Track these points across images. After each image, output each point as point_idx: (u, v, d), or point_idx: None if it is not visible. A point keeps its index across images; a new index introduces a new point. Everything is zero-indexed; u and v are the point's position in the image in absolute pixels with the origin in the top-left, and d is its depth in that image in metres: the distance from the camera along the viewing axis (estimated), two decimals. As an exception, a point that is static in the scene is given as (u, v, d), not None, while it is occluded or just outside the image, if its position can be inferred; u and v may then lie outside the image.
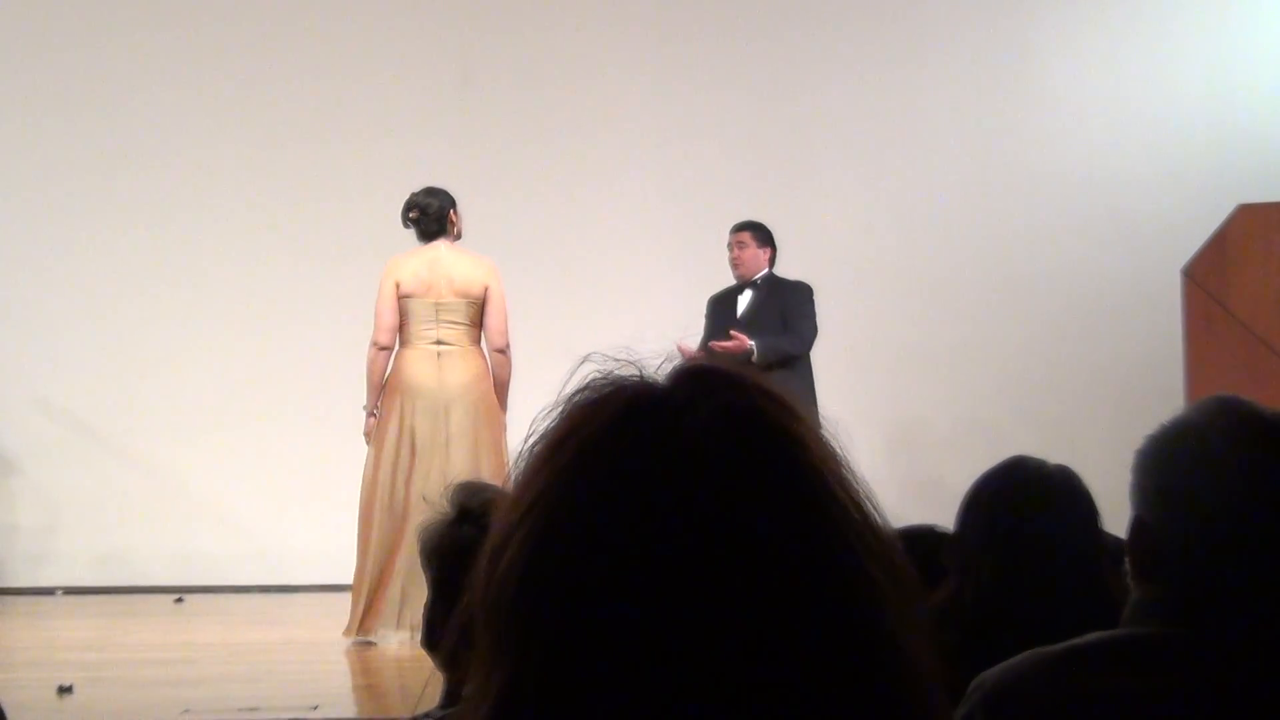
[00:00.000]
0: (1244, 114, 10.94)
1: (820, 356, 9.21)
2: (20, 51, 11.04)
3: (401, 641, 8.05)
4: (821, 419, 1.15)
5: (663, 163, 11.00)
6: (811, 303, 9.21)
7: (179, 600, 10.15)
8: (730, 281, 9.37)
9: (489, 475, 7.88)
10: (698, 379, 1.12)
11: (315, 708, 6.33)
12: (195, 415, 10.78)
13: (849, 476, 1.12)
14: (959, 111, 11.09)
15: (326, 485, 9.29)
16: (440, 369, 8.20)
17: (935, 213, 11.01)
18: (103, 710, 6.34)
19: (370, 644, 8.13)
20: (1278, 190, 9.79)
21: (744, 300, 9.26)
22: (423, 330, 8.22)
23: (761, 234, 9.32)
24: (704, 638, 1.03)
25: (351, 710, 6.73)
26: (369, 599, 8.16)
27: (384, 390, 8.28)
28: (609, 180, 10.96)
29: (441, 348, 8.21)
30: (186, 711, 6.20)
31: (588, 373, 1.13)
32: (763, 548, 1.05)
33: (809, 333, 9.11)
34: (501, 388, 8.28)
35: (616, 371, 1.13)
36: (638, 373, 1.13)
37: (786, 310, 9.14)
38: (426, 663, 2.86)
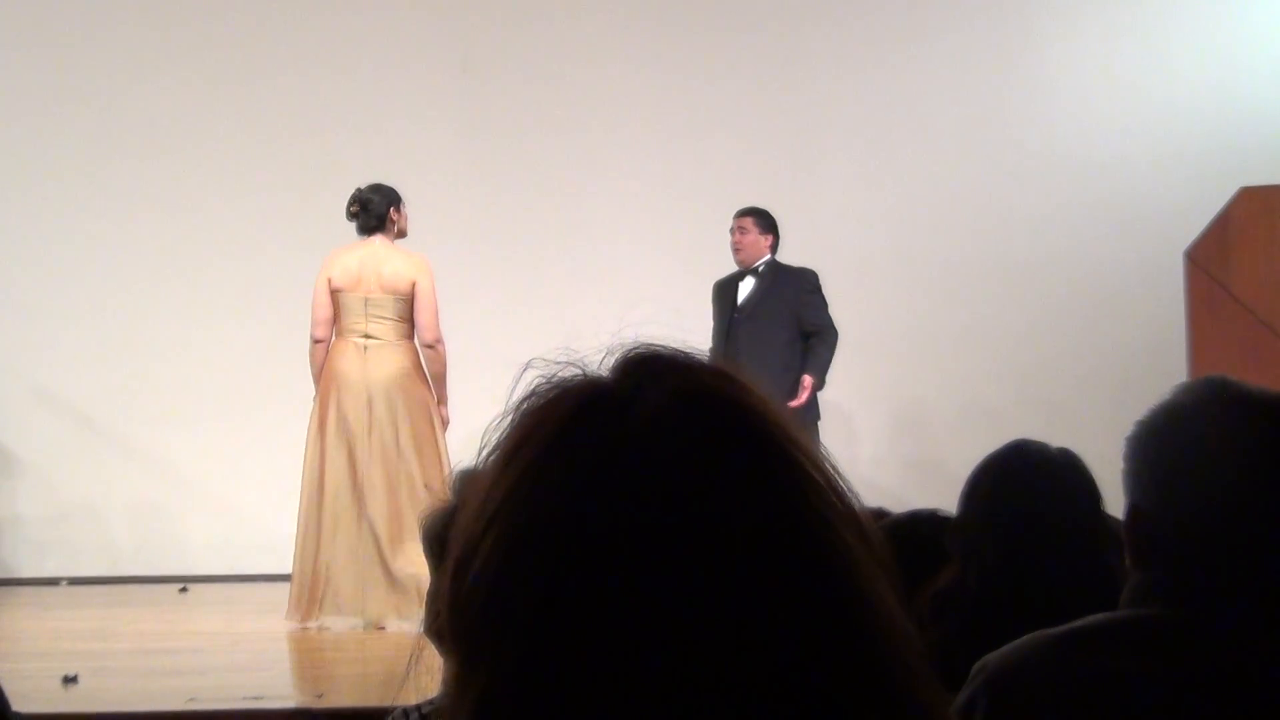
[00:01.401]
0: (1246, 96, 10.93)
1: (824, 342, 9.22)
2: (20, 43, 11.03)
3: (353, 627, 8.23)
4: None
5: (664, 151, 10.99)
6: (820, 291, 9.20)
7: (183, 590, 10.15)
8: (734, 268, 9.37)
9: (415, 465, 8.29)
10: (641, 367, 1.12)
11: (320, 695, 6.34)
12: (198, 405, 10.78)
13: (809, 444, 1.11)
14: (960, 97, 11.08)
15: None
16: (365, 362, 8.45)
17: (937, 198, 11.00)
18: (107, 699, 6.34)
19: (309, 629, 8.29)
20: (1280, 172, 9.79)
21: (745, 287, 9.24)
22: (353, 324, 8.47)
23: (763, 220, 9.29)
24: (678, 622, 1.02)
25: (356, 698, 6.73)
26: (311, 585, 8.36)
27: (320, 381, 8.57)
28: (610, 169, 10.96)
29: (369, 341, 8.46)
30: (191, 700, 6.20)
31: (531, 379, 1.12)
32: (729, 524, 1.04)
33: (830, 326, 9.12)
34: (437, 380, 8.52)
35: (559, 374, 1.12)
36: (580, 371, 1.12)
37: (798, 305, 9.11)
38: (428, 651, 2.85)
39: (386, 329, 8.46)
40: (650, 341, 1.14)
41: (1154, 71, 11.03)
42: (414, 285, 8.44)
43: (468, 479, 3.03)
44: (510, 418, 1.12)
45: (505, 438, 1.11)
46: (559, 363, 1.13)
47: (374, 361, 8.44)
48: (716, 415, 1.09)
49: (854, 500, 1.11)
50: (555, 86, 11.04)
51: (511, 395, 1.12)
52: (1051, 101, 11.09)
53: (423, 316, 8.44)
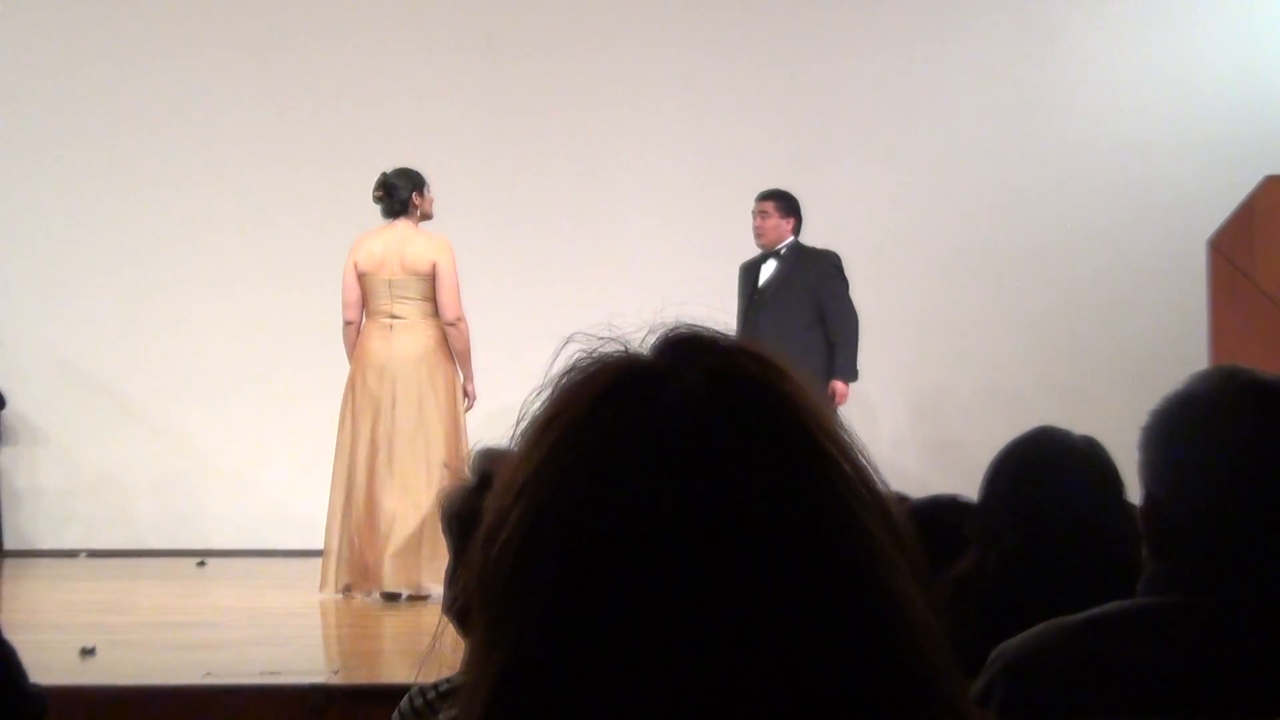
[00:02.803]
0: (1272, 84, 10.89)
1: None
2: (37, 18, 11.03)
3: (374, 599, 8.46)
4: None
5: (687, 131, 10.98)
6: (841, 274, 9.19)
7: (201, 563, 10.18)
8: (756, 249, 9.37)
9: (438, 442, 8.52)
10: (680, 347, 1.12)
11: (336, 671, 6.35)
12: (219, 379, 10.80)
13: (840, 431, 1.11)
14: (985, 81, 11.05)
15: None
16: (390, 341, 8.66)
17: (959, 182, 10.98)
18: (125, 672, 6.36)
19: (341, 598, 8.50)
20: (1306, 161, 9.76)
21: (767, 270, 9.24)
22: (379, 305, 8.70)
23: (784, 203, 9.28)
24: (702, 603, 1.03)
25: (373, 674, 6.75)
26: (346, 558, 8.59)
27: (351, 361, 8.83)
28: (633, 149, 10.94)
29: (395, 321, 8.66)
30: (208, 674, 6.22)
31: (572, 353, 1.12)
32: (754, 507, 1.05)
33: (849, 316, 9.12)
34: (460, 358, 8.69)
35: (600, 349, 1.13)
36: (621, 348, 1.13)
37: (819, 288, 9.11)
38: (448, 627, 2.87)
39: (411, 309, 8.64)
40: (692, 323, 1.15)
41: (1179, 58, 10.98)
42: (434, 266, 8.60)
43: (489, 457, 3.04)
44: (548, 391, 1.12)
45: (541, 409, 1.12)
46: (600, 338, 1.13)
47: (399, 341, 8.63)
48: (749, 399, 1.09)
49: (883, 490, 1.11)
50: (578, 65, 11.02)
51: (550, 369, 1.12)
52: (1076, 86, 11.05)
53: (443, 296, 8.59)
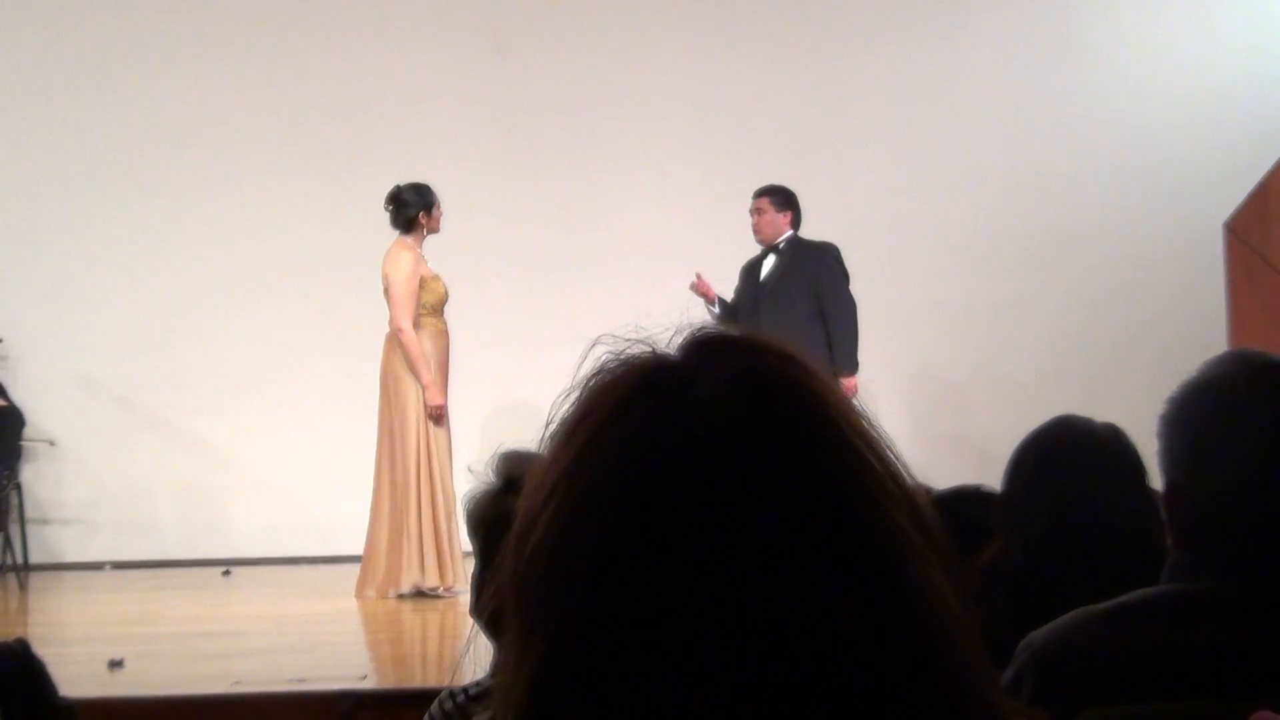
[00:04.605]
0: (1285, 65, 10.86)
1: (859, 317, 9.20)
2: (53, 27, 11.06)
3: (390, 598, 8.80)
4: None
5: (698, 126, 10.98)
6: (841, 270, 9.19)
7: (227, 573, 10.20)
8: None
9: (381, 449, 8.85)
10: (707, 346, 1.13)
11: (364, 677, 6.36)
12: (239, 387, 10.83)
13: (868, 427, 1.12)
14: (997, 66, 11.04)
15: (371, 456, 9.31)
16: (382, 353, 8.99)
17: (974, 167, 10.97)
18: (153, 683, 6.37)
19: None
20: (1321, 142, 9.73)
21: (767, 265, 9.27)
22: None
23: (779, 198, 9.30)
24: (734, 601, 1.03)
25: (402, 678, 6.76)
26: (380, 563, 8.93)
27: None
28: (644, 145, 10.94)
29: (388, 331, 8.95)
30: (237, 683, 6.23)
31: (599, 355, 1.13)
32: (784, 504, 1.05)
33: (848, 308, 9.12)
34: (410, 364, 8.80)
35: (628, 351, 1.13)
36: (649, 349, 1.13)
37: (819, 284, 9.11)
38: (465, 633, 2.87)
39: (390, 318, 8.88)
40: (718, 322, 1.16)
41: (1193, 41, 10.97)
42: (385, 277, 8.84)
43: (512, 460, 3.04)
44: (576, 393, 1.13)
45: (570, 411, 1.12)
46: (628, 339, 1.14)
47: (382, 353, 8.93)
48: (776, 397, 1.10)
49: (911, 484, 1.11)
50: (588, 65, 11.03)
51: (579, 371, 1.13)
52: (1090, 71, 11.04)
53: (389, 306, 8.84)
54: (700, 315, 1.19)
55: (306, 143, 10.94)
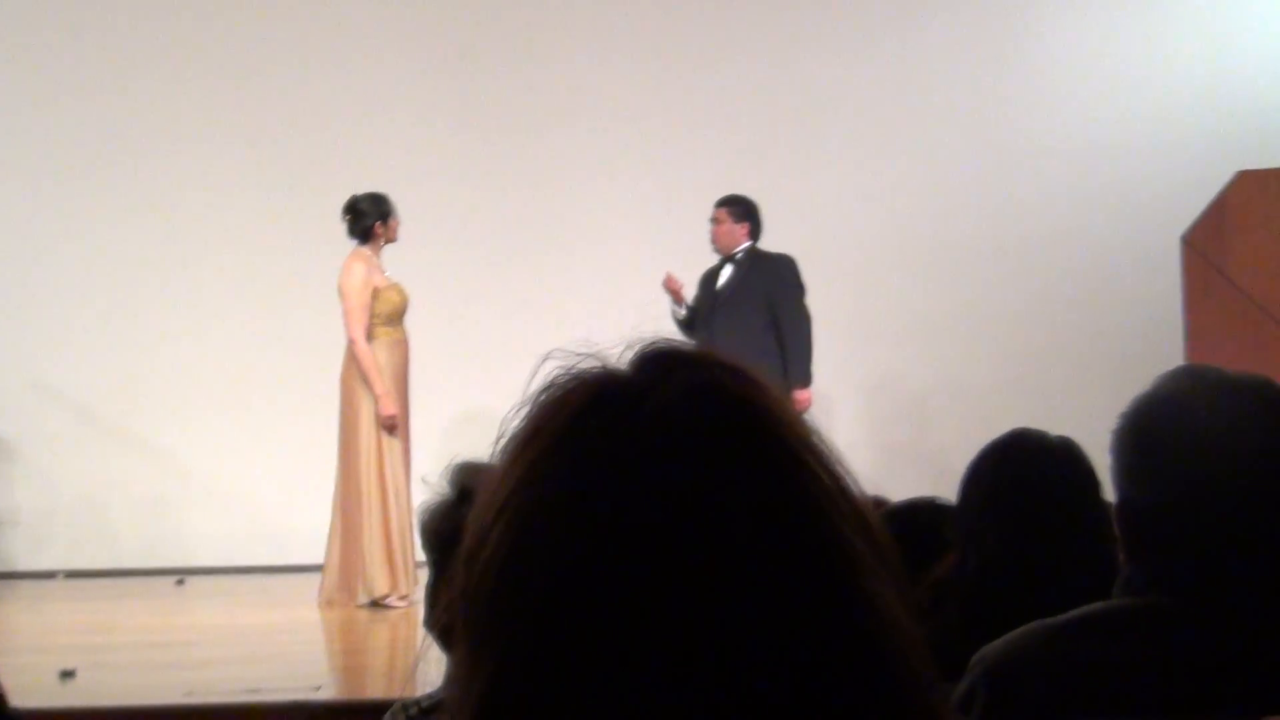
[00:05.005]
0: (1243, 80, 10.92)
1: (819, 328, 9.23)
2: (20, 41, 11.02)
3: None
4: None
5: (661, 138, 10.99)
6: (796, 283, 9.21)
7: (180, 582, 10.16)
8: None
9: (338, 458, 8.86)
10: (658, 361, 1.12)
11: (318, 688, 6.33)
12: (195, 397, 10.79)
13: (818, 442, 1.11)
14: (958, 79, 11.08)
15: (327, 464, 9.30)
16: None
17: (934, 180, 11.00)
18: (105, 693, 6.34)
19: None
20: (1277, 156, 9.77)
21: (724, 275, 9.29)
22: None
23: (738, 209, 9.32)
24: (684, 615, 1.03)
25: (356, 690, 6.74)
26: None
27: None
28: (608, 158, 10.95)
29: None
30: (189, 694, 6.20)
31: (550, 370, 1.12)
32: (734, 519, 1.05)
33: (801, 321, 9.13)
34: (363, 375, 8.81)
35: (578, 365, 1.13)
36: (599, 364, 1.13)
37: (772, 296, 9.13)
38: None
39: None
40: (670, 337, 1.15)
41: (1152, 55, 11.02)
42: (339, 287, 8.87)
43: (467, 471, 3.02)
44: (526, 408, 1.12)
45: (520, 427, 1.12)
46: (579, 354, 1.13)
47: (342, 363, 8.96)
48: (727, 412, 1.09)
49: (861, 499, 1.11)
50: (552, 76, 11.03)
51: (530, 385, 1.12)
52: (1049, 85, 11.09)
53: (343, 316, 8.81)
54: (654, 329, 1.17)
55: (266, 153, 10.91)
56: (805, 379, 8.98)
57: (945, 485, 3.33)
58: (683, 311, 9.23)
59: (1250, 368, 2.27)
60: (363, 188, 9.11)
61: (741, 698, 1.03)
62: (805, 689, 1.04)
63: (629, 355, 1.13)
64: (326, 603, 8.81)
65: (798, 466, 1.09)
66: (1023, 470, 3.03)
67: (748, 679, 1.03)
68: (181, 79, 10.96)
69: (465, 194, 10.89)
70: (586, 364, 1.13)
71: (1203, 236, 9.03)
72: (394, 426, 8.73)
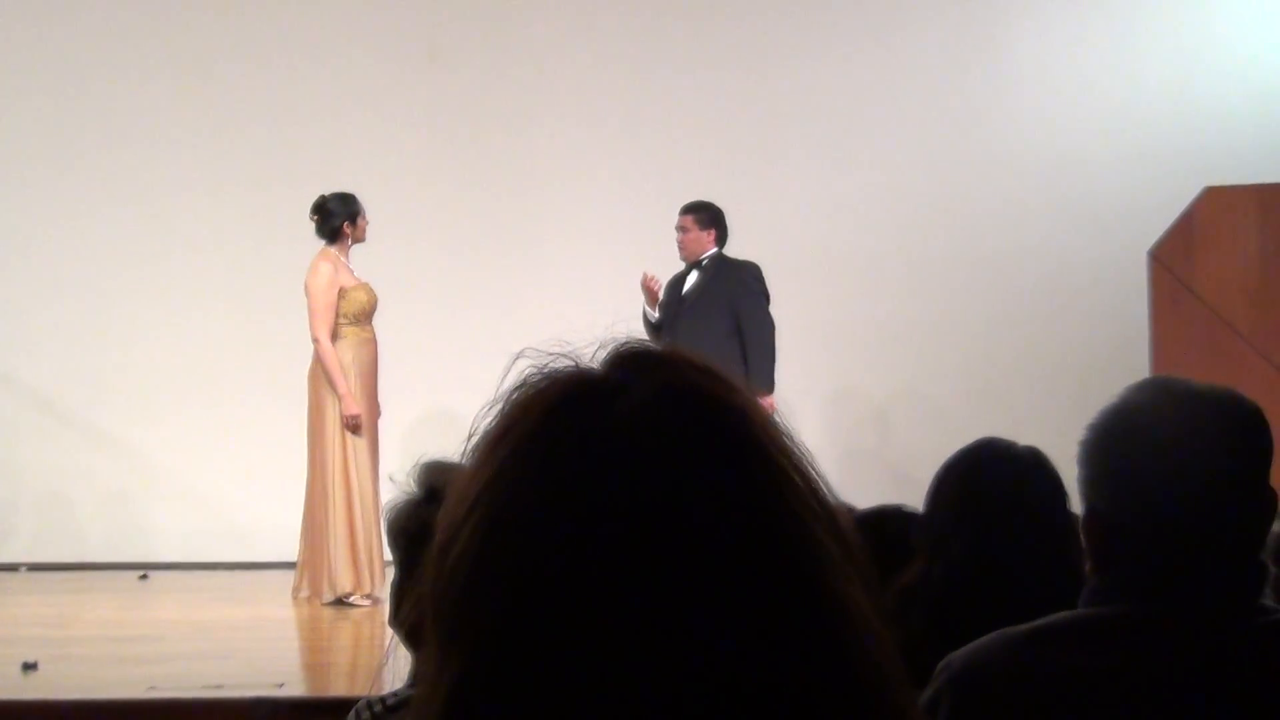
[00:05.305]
0: (1210, 96, 10.97)
1: (785, 335, 9.24)
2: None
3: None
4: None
5: (631, 142, 10.99)
6: (760, 289, 9.22)
7: (144, 577, 10.11)
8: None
9: (311, 452, 8.85)
10: (631, 361, 1.13)
11: (281, 685, 6.32)
12: (160, 391, 10.74)
13: (790, 444, 1.12)
14: (926, 93, 11.10)
15: (293, 462, 9.27)
16: None
17: (901, 194, 11.01)
18: (67, 687, 6.32)
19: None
20: (1245, 172, 9.82)
21: (689, 281, 9.30)
22: None
23: (704, 216, 9.34)
24: (654, 614, 1.03)
25: (319, 687, 6.73)
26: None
27: None
28: (577, 161, 10.94)
29: None
30: (152, 688, 6.19)
31: (523, 369, 1.13)
32: (706, 518, 1.06)
33: (764, 327, 9.14)
34: (326, 374, 8.82)
35: (551, 364, 1.13)
36: (572, 363, 1.13)
37: (736, 302, 9.14)
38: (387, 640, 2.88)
39: None
40: (642, 337, 1.16)
41: (1119, 70, 11.06)
42: (305, 286, 8.88)
43: (435, 470, 3.03)
44: (499, 406, 1.12)
45: (492, 425, 1.12)
46: (551, 354, 1.14)
47: (311, 361, 8.95)
48: (699, 411, 1.10)
49: (832, 502, 1.12)
50: (522, 77, 11.02)
51: (502, 384, 1.13)
52: (1018, 98, 11.12)
53: (308, 316, 8.83)
54: (626, 329, 1.18)
55: (234, 150, 10.88)
56: (768, 385, 8.98)
57: (907, 494, 3.34)
58: (656, 314, 9.23)
59: (1216, 380, 2.29)
60: (334, 186, 9.09)
61: (711, 696, 1.03)
62: (774, 688, 1.04)
63: (602, 354, 1.14)
64: (302, 599, 8.83)
65: (769, 467, 1.09)
66: (990, 478, 3.04)
67: (717, 677, 1.03)
68: (148, 74, 10.92)
69: (437, 193, 10.87)
70: (559, 363, 1.13)
71: (1170, 251, 9.08)
72: (357, 427, 8.72)
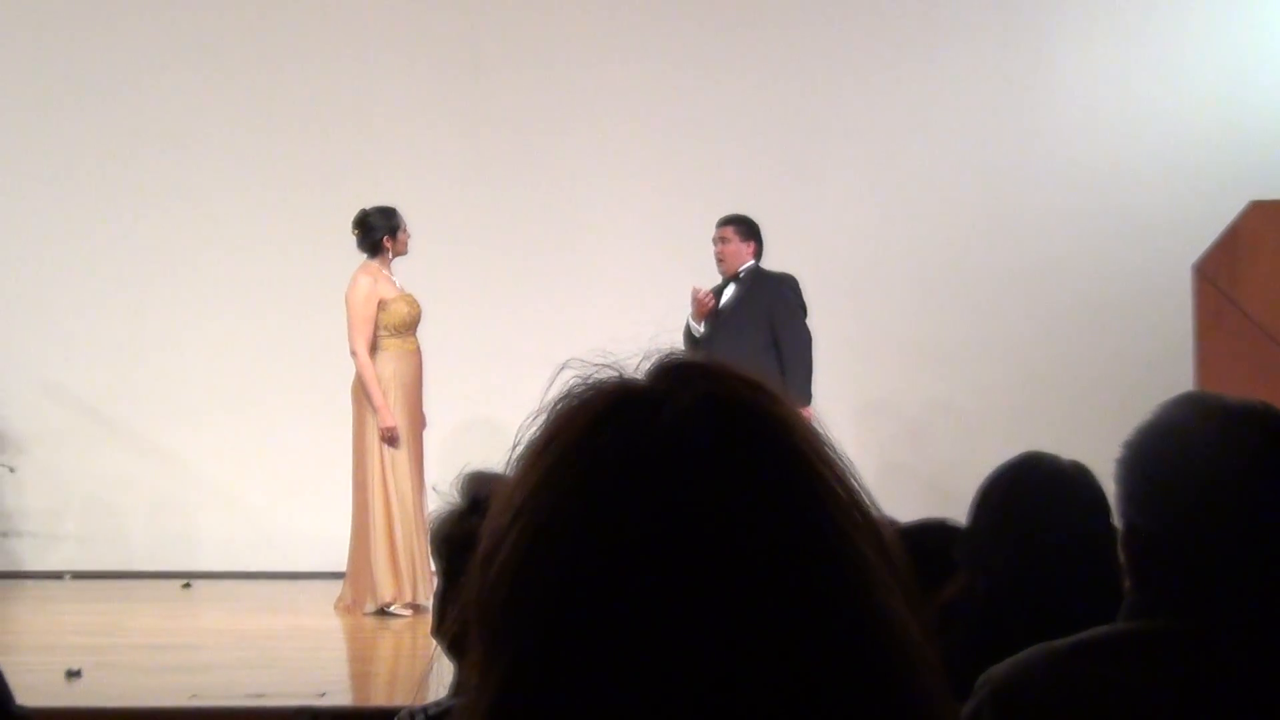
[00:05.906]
0: (1257, 110, 10.92)
1: (825, 349, 9.23)
2: (26, 39, 11.04)
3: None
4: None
5: (670, 153, 10.99)
6: (798, 302, 9.20)
7: (187, 586, 10.16)
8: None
9: (355, 463, 8.90)
10: (675, 372, 1.13)
11: (323, 695, 6.34)
12: (204, 400, 10.79)
13: (833, 456, 1.13)
14: (970, 107, 11.07)
15: (335, 473, 9.31)
16: None
17: (945, 207, 10.99)
18: (111, 695, 6.35)
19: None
20: (1290, 187, 9.78)
21: (727, 293, 9.27)
22: None
23: (743, 228, 9.32)
24: (697, 624, 1.04)
25: (361, 697, 6.74)
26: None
27: None
28: (616, 170, 10.95)
29: None
30: (194, 697, 6.21)
31: (568, 379, 1.14)
32: (749, 529, 1.06)
33: (801, 340, 9.12)
34: (364, 387, 8.89)
35: (596, 375, 1.14)
36: (617, 374, 1.14)
37: (774, 315, 9.12)
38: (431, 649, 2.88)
39: None
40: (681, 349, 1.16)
41: (1165, 83, 11.02)
42: (345, 300, 8.95)
43: (478, 480, 3.04)
44: (543, 416, 1.13)
45: (537, 435, 1.13)
46: (596, 364, 1.14)
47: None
48: (744, 423, 1.10)
49: (876, 514, 1.12)
50: (563, 86, 11.03)
51: (546, 395, 1.13)
52: (1061, 111, 11.08)
53: (347, 329, 8.89)
54: (669, 341, 1.18)
55: (279, 159, 10.92)
56: (805, 398, 8.96)
57: (943, 508, 3.33)
58: (701, 328, 9.19)
59: (1260, 396, 2.29)
60: (374, 193, 9.13)
61: (752, 707, 1.04)
62: (816, 701, 1.05)
63: (646, 365, 1.14)
64: (344, 609, 8.86)
65: (812, 478, 1.10)
66: (1034, 493, 3.03)
67: (758, 688, 1.04)
68: (188, 81, 10.96)
69: (479, 203, 10.90)
70: (604, 374, 1.14)
71: (1214, 265, 9.03)
72: (394, 439, 8.75)
